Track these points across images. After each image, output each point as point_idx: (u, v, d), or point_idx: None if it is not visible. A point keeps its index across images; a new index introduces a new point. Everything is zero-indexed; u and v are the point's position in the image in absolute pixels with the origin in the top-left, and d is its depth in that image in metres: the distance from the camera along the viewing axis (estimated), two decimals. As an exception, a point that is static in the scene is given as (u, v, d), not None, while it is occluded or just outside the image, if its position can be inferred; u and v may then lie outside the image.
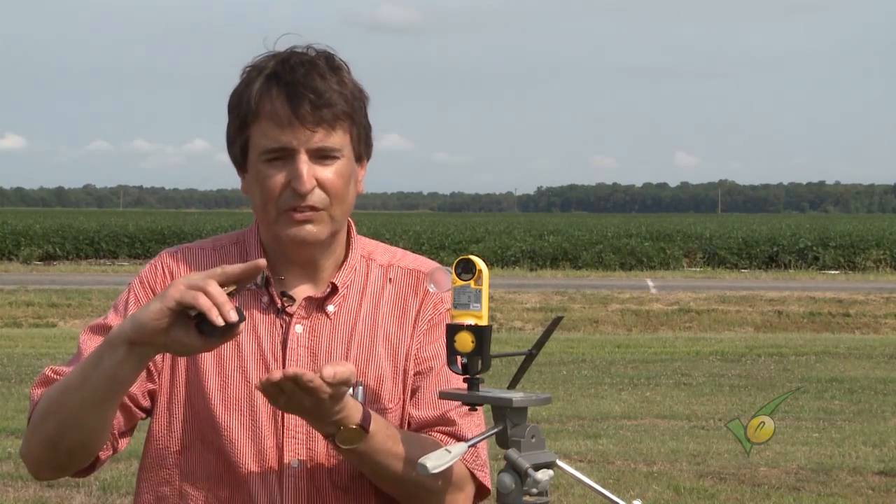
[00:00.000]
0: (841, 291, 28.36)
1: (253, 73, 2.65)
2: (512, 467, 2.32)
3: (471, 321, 2.35)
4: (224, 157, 2.73)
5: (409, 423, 2.70)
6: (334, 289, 2.71)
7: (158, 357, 2.64)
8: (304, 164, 2.60)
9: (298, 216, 2.63)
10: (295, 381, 2.39)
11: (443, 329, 2.60)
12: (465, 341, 2.35)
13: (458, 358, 2.36)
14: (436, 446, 2.41)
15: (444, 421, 2.69)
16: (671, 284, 31.71)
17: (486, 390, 2.38)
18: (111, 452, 2.65)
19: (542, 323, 23.29)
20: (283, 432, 2.64)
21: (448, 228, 52.73)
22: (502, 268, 38.82)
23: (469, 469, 2.67)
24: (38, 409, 2.59)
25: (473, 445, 2.42)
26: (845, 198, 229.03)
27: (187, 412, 2.67)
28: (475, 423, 2.71)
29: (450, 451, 2.32)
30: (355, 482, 2.66)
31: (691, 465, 9.94)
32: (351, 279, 2.74)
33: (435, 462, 2.29)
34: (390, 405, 2.69)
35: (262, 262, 2.42)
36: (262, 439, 2.64)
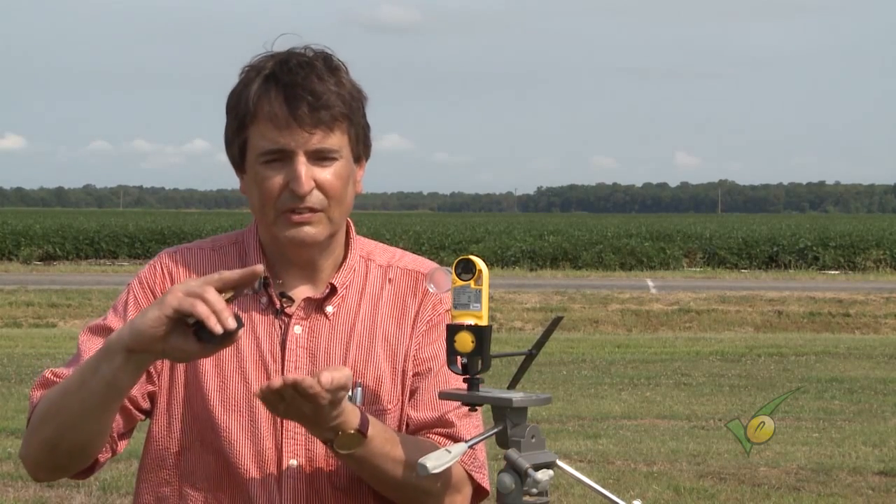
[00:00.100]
0: (841, 291, 28.36)
1: (251, 73, 2.64)
2: (512, 467, 2.32)
3: (471, 321, 2.35)
4: (224, 158, 2.73)
5: (407, 425, 2.70)
6: (333, 289, 2.71)
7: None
8: (303, 166, 2.60)
9: (297, 218, 2.62)
10: (295, 388, 2.39)
11: (442, 330, 2.60)
12: (465, 341, 2.35)
13: (458, 358, 2.36)
14: (434, 449, 2.41)
15: (442, 423, 2.69)
16: (671, 284, 31.72)
17: (486, 390, 2.37)
18: (110, 454, 2.65)
19: (542, 323, 23.29)
20: (282, 433, 2.64)
21: (448, 228, 52.72)
22: (502, 268, 38.82)
23: (467, 471, 2.67)
24: (38, 412, 2.59)
25: (473, 446, 2.42)
26: (845, 198, 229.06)
27: (186, 413, 2.67)
28: (474, 424, 2.71)
29: (450, 452, 2.32)
30: (354, 483, 2.65)
31: (691, 465, 9.94)
32: (350, 280, 2.73)
33: (435, 462, 2.29)
34: (389, 406, 2.69)
35: (260, 267, 2.41)
36: (261, 440, 2.64)
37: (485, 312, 2.35)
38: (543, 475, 2.31)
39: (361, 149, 2.71)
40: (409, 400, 2.71)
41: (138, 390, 2.65)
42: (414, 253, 2.87)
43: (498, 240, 44.83)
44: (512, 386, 2.41)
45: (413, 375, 2.72)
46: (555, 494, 8.48)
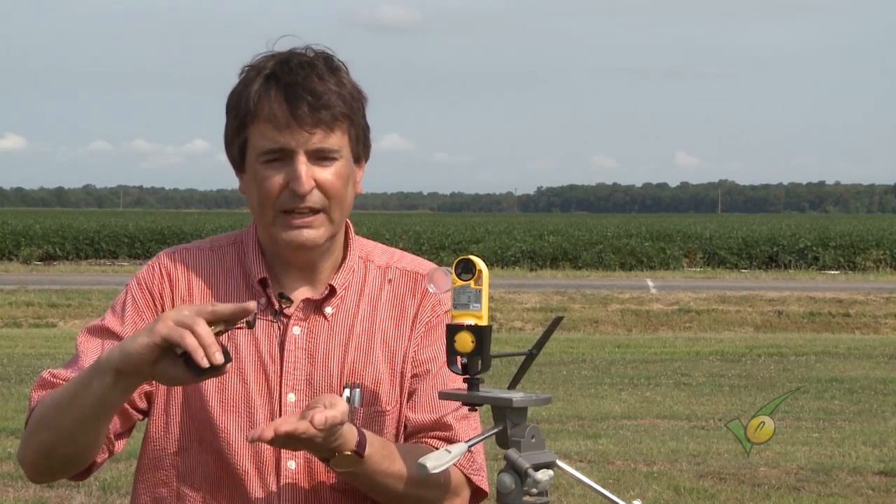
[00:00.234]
0: (841, 291, 28.35)
1: (251, 73, 2.64)
2: (512, 467, 2.32)
3: (471, 321, 2.35)
4: (224, 158, 2.73)
5: (405, 426, 2.70)
6: (332, 291, 2.70)
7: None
8: (303, 166, 2.60)
9: (296, 221, 2.62)
10: (287, 436, 2.40)
11: (440, 331, 2.60)
12: (465, 341, 2.34)
13: (458, 358, 2.36)
14: None
15: (440, 425, 2.68)
16: (671, 284, 31.71)
17: (486, 390, 2.37)
18: (107, 455, 2.65)
19: (542, 323, 23.29)
20: (281, 434, 2.64)
21: (448, 228, 52.70)
22: (502, 268, 38.81)
23: (465, 474, 2.67)
24: (34, 418, 2.60)
25: (471, 449, 2.41)
26: (845, 198, 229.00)
27: (184, 414, 2.67)
28: (472, 426, 2.70)
29: (450, 452, 2.32)
30: (352, 485, 2.65)
31: (691, 465, 9.93)
32: (349, 281, 2.73)
33: (435, 462, 2.29)
34: (387, 407, 2.69)
35: (253, 304, 2.41)
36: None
37: (485, 312, 2.35)
38: (543, 475, 2.31)
39: (361, 149, 2.71)
40: (408, 401, 2.71)
41: (135, 390, 2.64)
42: (414, 253, 2.86)
43: (498, 240, 44.81)
44: (512, 386, 2.41)
45: (411, 377, 2.71)
46: (555, 494, 8.48)
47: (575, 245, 41.65)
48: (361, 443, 2.51)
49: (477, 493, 2.71)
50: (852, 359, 17.62)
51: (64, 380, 2.60)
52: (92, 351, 2.63)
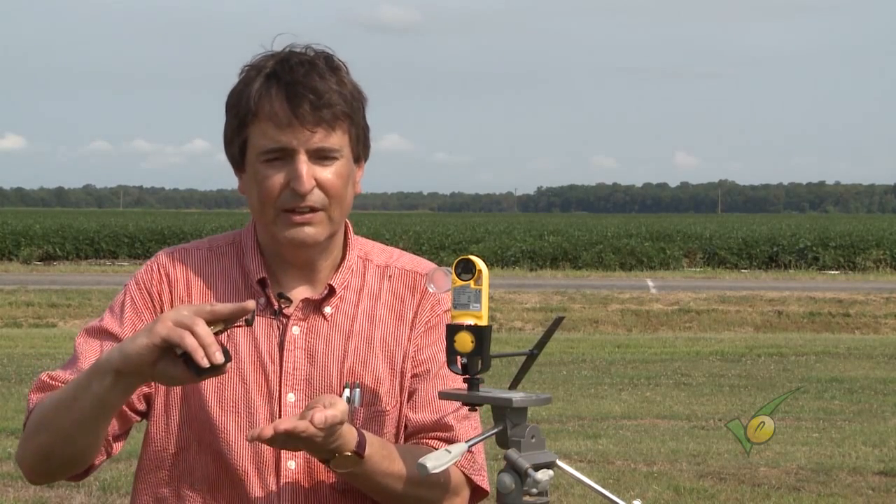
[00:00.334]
0: (841, 291, 28.35)
1: (252, 72, 2.63)
2: (512, 467, 2.32)
3: (471, 321, 2.35)
4: (224, 157, 2.72)
5: (405, 426, 2.70)
6: (331, 290, 2.70)
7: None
8: (304, 165, 2.60)
9: (297, 218, 2.62)
10: (287, 435, 2.40)
11: (440, 331, 2.60)
12: (465, 341, 2.34)
13: (458, 358, 2.36)
14: None
15: (441, 426, 2.68)
16: (671, 284, 31.71)
17: (486, 390, 2.37)
18: (105, 457, 2.65)
19: (541, 323, 23.30)
20: (280, 435, 2.64)
21: (448, 228, 52.70)
22: (502, 268, 38.81)
23: (465, 474, 2.67)
24: (32, 420, 2.60)
25: (472, 448, 2.41)
26: (845, 198, 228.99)
27: (184, 414, 2.67)
28: (472, 426, 2.70)
29: (450, 452, 2.32)
30: (352, 485, 2.65)
31: (691, 465, 9.93)
32: (348, 280, 2.73)
33: (435, 462, 2.29)
34: (387, 407, 2.68)
35: (251, 304, 2.41)
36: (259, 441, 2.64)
37: (485, 312, 2.35)
38: (543, 475, 2.31)
39: (361, 149, 2.70)
40: (408, 401, 2.71)
41: (134, 392, 2.64)
42: (414, 253, 2.86)
43: (498, 240, 44.82)
44: (513, 386, 2.40)
45: (411, 377, 2.71)
46: (555, 494, 8.47)
47: (575, 245, 41.66)
48: (361, 443, 2.51)
49: (477, 493, 2.71)
50: (852, 359, 17.62)
51: (62, 381, 2.60)
52: (91, 352, 2.63)
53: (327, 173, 2.62)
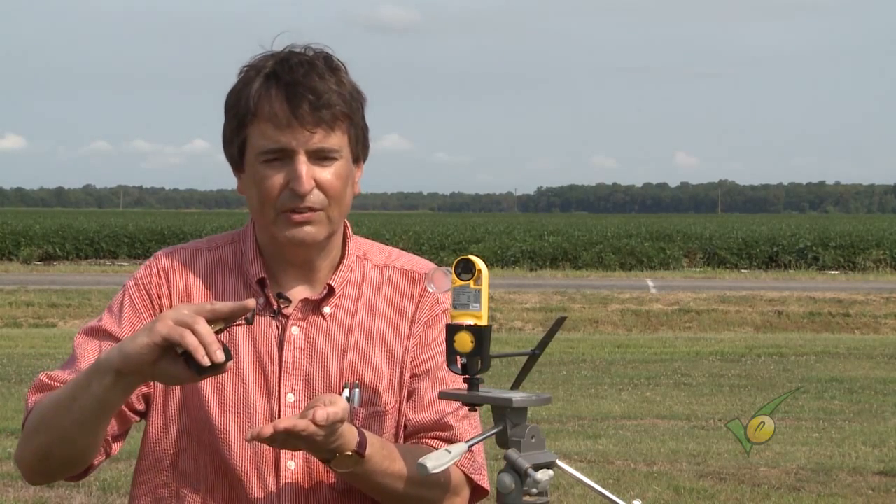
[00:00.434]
0: (841, 291, 28.35)
1: (251, 72, 2.63)
2: (512, 467, 2.32)
3: (470, 321, 2.35)
4: (223, 157, 2.72)
5: (405, 426, 2.70)
6: (330, 290, 2.70)
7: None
8: (303, 165, 2.60)
9: (297, 217, 2.61)
10: (287, 433, 2.40)
11: (439, 331, 2.60)
12: (465, 341, 2.34)
13: (458, 358, 2.36)
14: None
15: (440, 426, 2.68)
16: (671, 284, 31.71)
17: (486, 390, 2.37)
18: (104, 457, 2.65)
19: (541, 323, 23.30)
20: (280, 434, 2.64)
21: (448, 228, 52.70)
22: (502, 268, 38.81)
23: (466, 473, 2.67)
24: (31, 420, 2.60)
25: (472, 448, 2.41)
26: (845, 198, 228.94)
27: (183, 414, 2.66)
28: (472, 426, 2.70)
29: (450, 452, 2.32)
30: (352, 485, 2.65)
31: (691, 465, 9.93)
32: (347, 280, 2.73)
33: (435, 462, 2.29)
34: (387, 407, 2.68)
35: (252, 302, 2.41)
36: (259, 442, 2.64)
37: (484, 312, 2.35)
38: (543, 475, 2.31)
39: (360, 150, 2.70)
40: (407, 401, 2.70)
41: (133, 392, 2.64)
42: (414, 253, 2.86)
43: (498, 240, 44.82)
44: (515, 386, 2.40)
45: (411, 377, 2.71)
46: (555, 494, 8.47)
47: (575, 245, 41.66)
48: (362, 443, 2.50)
49: (477, 492, 2.71)
50: (852, 359, 17.62)
51: (61, 382, 2.59)
52: (90, 352, 2.63)
53: (327, 174, 2.61)
